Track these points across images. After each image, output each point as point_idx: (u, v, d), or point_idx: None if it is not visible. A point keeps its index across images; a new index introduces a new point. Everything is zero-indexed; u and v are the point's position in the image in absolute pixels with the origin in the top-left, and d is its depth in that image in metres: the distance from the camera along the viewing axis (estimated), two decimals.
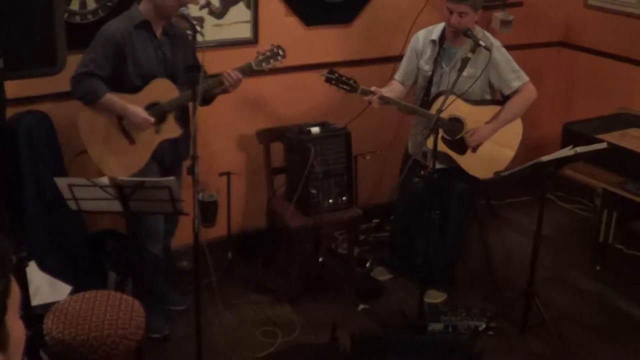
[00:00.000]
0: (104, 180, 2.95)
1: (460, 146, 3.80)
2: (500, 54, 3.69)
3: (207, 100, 3.53)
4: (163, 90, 3.40)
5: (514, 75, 3.68)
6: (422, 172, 3.62)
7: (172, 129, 3.46)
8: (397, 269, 4.36)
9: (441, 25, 3.79)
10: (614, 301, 4.15)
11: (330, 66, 4.31)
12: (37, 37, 2.87)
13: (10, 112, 3.34)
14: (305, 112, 4.22)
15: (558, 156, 3.57)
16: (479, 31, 3.71)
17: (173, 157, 3.56)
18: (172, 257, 3.97)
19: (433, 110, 3.64)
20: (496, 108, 3.82)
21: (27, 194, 3.54)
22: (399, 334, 3.69)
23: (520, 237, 4.81)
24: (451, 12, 3.57)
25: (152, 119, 3.38)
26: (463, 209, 4.00)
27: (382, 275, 4.36)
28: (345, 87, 3.65)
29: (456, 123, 3.75)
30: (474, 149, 3.80)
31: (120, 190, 2.91)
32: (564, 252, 4.69)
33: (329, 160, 4.01)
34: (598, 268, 4.48)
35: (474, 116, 3.75)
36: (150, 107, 3.41)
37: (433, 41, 3.79)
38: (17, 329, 1.20)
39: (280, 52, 3.60)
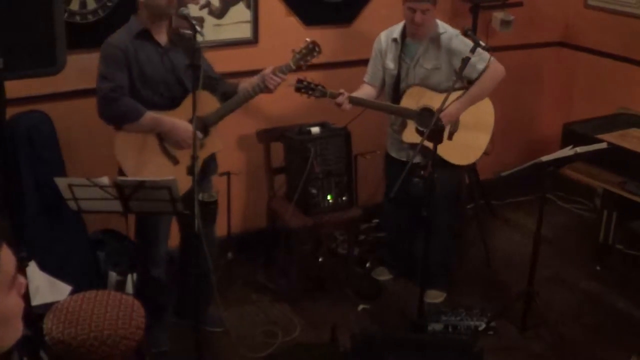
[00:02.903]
0: (104, 180, 2.94)
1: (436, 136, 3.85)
2: (459, 41, 3.75)
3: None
4: (202, 102, 3.18)
5: (476, 58, 3.69)
6: (422, 173, 3.62)
7: (215, 144, 3.28)
8: (396, 269, 4.36)
9: (401, 24, 3.87)
10: (614, 301, 4.15)
11: (329, 66, 4.31)
12: (37, 37, 2.87)
13: (10, 112, 3.33)
14: (305, 112, 4.21)
15: (558, 156, 3.57)
16: (437, 23, 3.80)
17: (200, 174, 3.14)
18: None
19: (403, 103, 3.81)
20: None
21: (27, 194, 3.54)
22: (399, 334, 3.69)
23: (520, 237, 4.81)
24: (414, 11, 3.67)
25: (201, 134, 3.23)
26: (447, 207, 3.99)
27: (382, 275, 4.37)
28: (315, 93, 3.72)
29: (427, 113, 3.79)
30: (450, 136, 3.82)
31: (120, 190, 2.91)
32: (564, 252, 4.69)
33: (329, 160, 4.01)
34: (598, 268, 4.48)
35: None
36: (191, 122, 3.21)
37: (395, 40, 3.88)
38: (5, 304, 1.16)
39: (317, 48, 3.52)
